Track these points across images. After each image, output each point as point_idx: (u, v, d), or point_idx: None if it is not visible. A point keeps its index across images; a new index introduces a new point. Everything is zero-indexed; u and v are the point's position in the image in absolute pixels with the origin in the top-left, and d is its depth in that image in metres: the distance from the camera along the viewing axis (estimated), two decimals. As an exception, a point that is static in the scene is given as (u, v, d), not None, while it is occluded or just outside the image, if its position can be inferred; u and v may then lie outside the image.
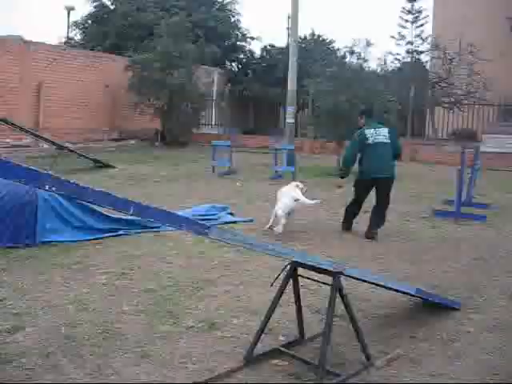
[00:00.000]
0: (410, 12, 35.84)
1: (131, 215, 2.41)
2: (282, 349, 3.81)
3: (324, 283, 3.56)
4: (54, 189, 2.02)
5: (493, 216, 9.19)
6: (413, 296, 4.53)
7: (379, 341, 4.10)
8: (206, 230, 2.51)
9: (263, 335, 3.83)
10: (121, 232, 6.95)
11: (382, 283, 4.02)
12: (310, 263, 3.30)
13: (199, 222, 2.55)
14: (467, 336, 4.29)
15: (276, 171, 13.73)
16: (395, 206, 9.49)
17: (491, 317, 4.69)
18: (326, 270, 3.35)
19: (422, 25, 35.40)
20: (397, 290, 4.31)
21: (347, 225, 7.90)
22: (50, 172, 2.23)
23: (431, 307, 4.73)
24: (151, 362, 3.64)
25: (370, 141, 7.60)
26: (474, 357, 3.93)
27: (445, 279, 5.70)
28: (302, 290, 4.70)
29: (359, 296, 4.97)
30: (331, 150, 15.64)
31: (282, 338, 4.07)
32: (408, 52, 32.70)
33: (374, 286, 4.62)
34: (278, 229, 7.24)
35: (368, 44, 15.98)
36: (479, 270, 6.08)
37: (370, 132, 7.67)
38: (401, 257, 6.51)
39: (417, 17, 35.75)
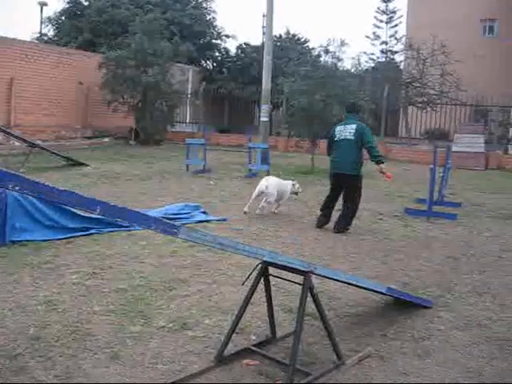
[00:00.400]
0: (384, 12, 36.24)
1: (98, 215, 2.37)
2: (254, 348, 3.80)
3: (295, 282, 3.56)
4: (17, 188, 1.98)
5: (464, 215, 9.31)
6: (384, 294, 4.55)
7: (351, 339, 4.12)
8: (175, 230, 2.49)
9: (235, 335, 3.82)
10: (93, 231, 6.87)
11: (352, 282, 4.04)
12: (280, 263, 3.29)
13: (168, 221, 2.52)
14: (438, 334, 4.33)
15: (250, 169, 13.73)
16: (368, 205, 9.58)
17: (462, 315, 4.74)
18: (296, 269, 3.34)
19: (396, 25, 35.84)
20: (368, 289, 4.33)
21: (321, 220, 7.94)
22: (16, 171, 2.19)
23: (403, 305, 4.76)
24: (121, 363, 3.60)
25: (337, 137, 7.83)
26: (444, 355, 3.97)
27: (416, 277, 5.75)
28: (274, 290, 4.72)
29: (331, 295, 5.00)
30: (306, 149, 15.68)
31: (253, 338, 4.06)
32: (382, 52, 33.08)
33: (345, 284, 4.63)
34: (267, 209, 8.66)
35: (342, 43, 16.05)
36: (450, 269, 6.15)
37: (339, 128, 7.88)
38: (373, 255, 6.55)
39: (391, 17, 36.19)
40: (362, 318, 4.56)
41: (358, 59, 26.61)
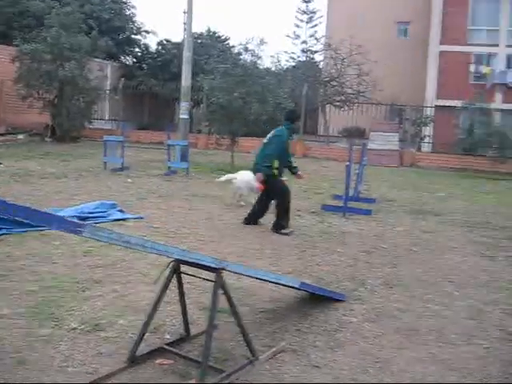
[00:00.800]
0: (305, 12, 36.75)
1: (-4, 214, 2.27)
2: (167, 347, 3.76)
3: (207, 279, 3.55)
4: None
5: (378, 210, 9.61)
6: (298, 289, 4.62)
7: (265, 335, 4.16)
8: (80, 229, 2.41)
9: (149, 334, 3.77)
10: (3, 231, 6.59)
11: (266, 278, 4.07)
12: (191, 260, 3.27)
13: (72, 220, 2.44)
14: (350, 326, 4.44)
15: (169, 167, 13.60)
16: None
17: (373, 307, 4.88)
18: (208, 266, 3.33)
19: (316, 25, 36.45)
20: (282, 284, 4.38)
21: (248, 218, 8.04)
22: None
23: (318, 300, 4.85)
24: (29, 368, 3.47)
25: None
26: (356, 346, 4.07)
27: (331, 272, 5.87)
28: (190, 288, 4.72)
29: (247, 291, 5.02)
30: (226, 146, 15.71)
31: (167, 337, 4.02)
32: (303, 51, 33.55)
33: (261, 280, 4.66)
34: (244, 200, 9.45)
35: (261, 42, 16.18)
36: (364, 262, 6.33)
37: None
38: (289, 251, 6.64)
39: (311, 17, 36.77)
40: (277, 314, 4.61)
41: (278, 58, 26.90)
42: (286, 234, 7.52)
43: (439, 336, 4.36)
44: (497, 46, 29.32)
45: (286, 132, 7.97)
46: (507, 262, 6.87)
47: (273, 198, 7.92)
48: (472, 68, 29.21)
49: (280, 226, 7.67)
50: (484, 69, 29.13)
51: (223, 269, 3.36)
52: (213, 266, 3.29)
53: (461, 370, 3.80)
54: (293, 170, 8.18)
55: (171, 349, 3.76)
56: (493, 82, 28.58)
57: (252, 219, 8.06)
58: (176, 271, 3.61)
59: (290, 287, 4.57)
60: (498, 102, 25.54)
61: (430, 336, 4.35)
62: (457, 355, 4.04)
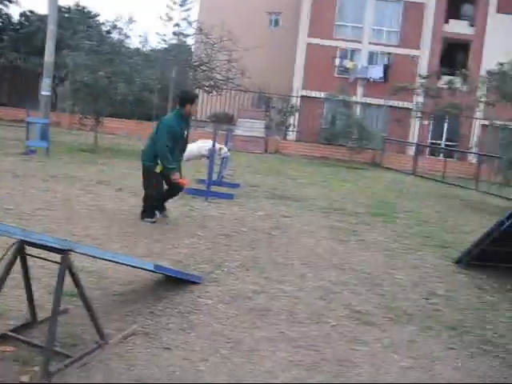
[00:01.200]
0: (178, -6, 36.14)
1: None
2: (10, 333, 3.56)
3: (54, 261, 3.39)
4: None
5: (241, 195, 9.76)
6: (153, 272, 4.57)
7: (118, 318, 4.07)
8: None
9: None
10: None
11: (118, 260, 3.97)
12: (36, 241, 3.11)
13: None
14: (204, 308, 4.46)
15: (28, 146, 12.88)
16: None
17: (228, 289, 4.95)
18: (54, 248, 3.18)
19: (189, 9, 36.03)
20: (135, 267, 4.31)
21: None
22: None
23: (174, 282, 4.83)
24: None
25: None
26: (209, 328, 4.10)
27: (189, 255, 5.87)
28: (41, 271, 4.51)
29: (101, 274, 4.89)
30: (90, 127, 15.17)
31: (11, 323, 3.80)
32: (174, 34, 33.07)
33: (117, 264, 4.55)
34: None
35: (130, 20, 15.75)
36: (222, 246, 6.39)
37: None
38: (149, 234, 6.55)
39: (185, 0, 36.32)
40: (131, 297, 4.53)
41: (146, 37, 26.32)
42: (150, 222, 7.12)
43: (290, 316, 4.52)
44: (360, 42, 30.87)
45: (173, 119, 7.17)
46: (358, 245, 7.27)
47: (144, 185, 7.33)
48: (337, 62, 30.54)
49: (144, 213, 7.24)
50: (348, 63, 30.58)
51: (71, 250, 3.23)
52: (58, 247, 3.15)
53: (307, 347, 3.97)
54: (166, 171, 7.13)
55: (15, 335, 3.56)
56: (355, 76, 30.08)
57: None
58: (20, 253, 3.42)
59: (145, 270, 4.51)
60: (359, 96, 26.89)
61: (282, 316, 4.49)
62: (305, 334, 4.20)
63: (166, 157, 6.93)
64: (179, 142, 7.17)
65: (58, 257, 3.33)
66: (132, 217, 7.35)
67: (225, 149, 10.17)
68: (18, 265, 3.53)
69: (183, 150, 7.50)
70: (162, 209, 7.47)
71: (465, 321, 4.90)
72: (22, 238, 3.15)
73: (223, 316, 4.35)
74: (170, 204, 8.40)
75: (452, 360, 4.07)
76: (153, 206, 7.29)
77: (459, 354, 4.19)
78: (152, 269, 4.28)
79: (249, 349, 3.84)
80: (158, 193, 7.29)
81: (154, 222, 7.17)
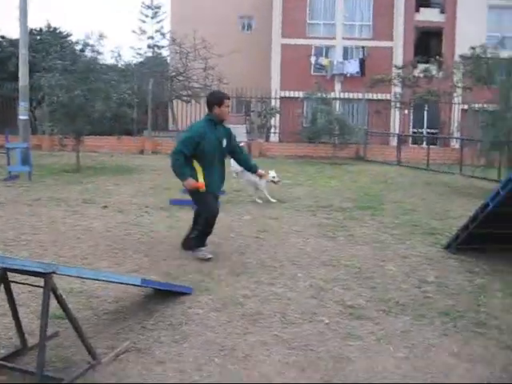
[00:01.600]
0: (149, 7, 36.18)
1: None
2: (1, 362, 3.52)
3: (37, 286, 3.36)
4: None
5: (227, 201, 9.69)
6: (141, 286, 4.54)
7: (110, 337, 4.04)
8: None
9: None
10: None
11: (102, 278, 3.94)
12: (17, 267, 3.08)
13: None
14: (196, 318, 4.44)
15: (10, 172, 12.78)
16: (134, 199, 9.61)
17: (219, 296, 4.93)
18: (36, 272, 3.15)
19: (161, 20, 36.03)
20: (123, 283, 4.28)
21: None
22: None
23: (164, 295, 4.80)
24: None
25: None
26: (202, 337, 4.08)
27: (178, 266, 5.84)
28: (29, 296, 4.49)
29: (90, 293, 4.86)
30: (72, 147, 15.09)
31: (1, 351, 3.76)
32: (149, 47, 33.04)
33: (104, 282, 4.52)
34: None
35: (101, 36, 15.70)
36: (211, 253, 6.35)
37: None
38: (137, 249, 6.50)
39: (156, 12, 36.30)
40: (122, 314, 4.49)
41: (118, 52, 26.22)
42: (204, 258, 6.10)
43: (283, 317, 4.51)
44: (334, 38, 30.99)
45: (201, 124, 6.23)
46: (347, 240, 7.27)
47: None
48: (313, 60, 30.64)
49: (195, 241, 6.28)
50: (323, 60, 30.69)
51: (53, 272, 3.20)
52: (40, 270, 3.12)
53: (301, 347, 3.96)
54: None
55: (5, 363, 3.52)
56: (332, 72, 30.18)
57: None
58: (3, 280, 3.38)
59: (133, 285, 4.48)
60: (337, 92, 26.96)
61: (274, 318, 4.48)
62: (299, 334, 4.20)
63: (174, 162, 5.98)
64: (216, 153, 6.10)
65: (42, 281, 3.31)
66: (119, 233, 7.31)
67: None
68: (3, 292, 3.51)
69: (222, 157, 6.29)
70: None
71: (457, 305, 4.92)
72: (3, 266, 3.11)
73: (215, 324, 4.33)
74: (156, 217, 8.39)
75: (447, 346, 4.08)
76: (205, 232, 6.24)
77: (454, 339, 4.21)
78: (139, 283, 4.25)
79: (243, 355, 3.82)
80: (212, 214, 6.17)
81: (209, 258, 6.09)
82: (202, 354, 3.82)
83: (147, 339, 4.01)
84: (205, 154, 6.01)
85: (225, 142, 6.21)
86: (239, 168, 8.24)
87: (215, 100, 6.13)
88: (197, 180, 6.04)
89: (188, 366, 3.63)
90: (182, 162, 5.96)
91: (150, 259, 6.08)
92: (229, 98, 6.21)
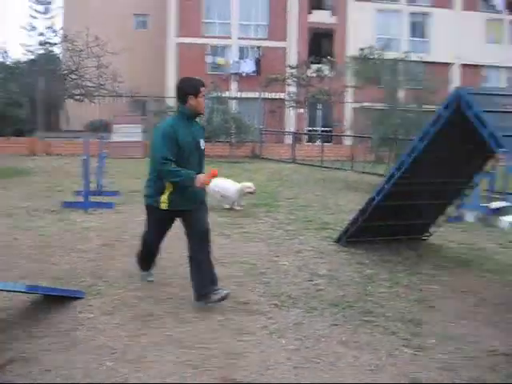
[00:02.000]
0: (40, 2, 34.75)
1: None
2: None
3: None
4: None
5: (121, 202, 9.54)
6: (27, 293, 4.37)
7: (-6, 348, 3.85)
8: None
9: None
10: None
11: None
12: None
13: None
14: (87, 322, 4.33)
15: None
16: (24, 203, 9.20)
17: (111, 299, 4.83)
18: None
19: (53, 17, 34.71)
20: (6, 290, 4.09)
21: None
22: None
23: (54, 301, 4.63)
24: None
25: None
26: (93, 342, 3.99)
27: (70, 270, 5.65)
28: None
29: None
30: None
31: None
32: (41, 44, 31.73)
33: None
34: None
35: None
36: (104, 256, 6.22)
37: None
38: (26, 255, 6.17)
39: (47, 8, 34.93)
40: (7, 323, 4.29)
41: (5, 50, 25.04)
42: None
43: (176, 317, 4.50)
44: (230, 38, 31.20)
45: (172, 121, 4.86)
46: (242, 237, 7.36)
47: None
48: (208, 59, 30.69)
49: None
50: (219, 60, 30.83)
51: None
52: None
53: (194, 346, 3.97)
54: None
55: None
56: (228, 72, 30.38)
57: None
58: None
59: (19, 292, 4.30)
60: (233, 91, 27.19)
61: (168, 318, 4.47)
62: (192, 333, 4.21)
63: (168, 170, 4.62)
64: (193, 154, 4.82)
65: None
66: (6, 239, 6.95)
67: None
68: None
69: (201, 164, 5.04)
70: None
71: (347, 296, 5.12)
72: None
73: (107, 328, 4.25)
74: (47, 221, 8.06)
75: (336, 335, 4.23)
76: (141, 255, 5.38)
77: (343, 328, 4.37)
78: (25, 290, 4.08)
79: (135, 357, 3.78)
80: (150, 243, 5.25)
81: (150, 279, 5.43)
82: (93, 358, 3.73)
83: (34, 347, 3.86)
84: (177, 160, 4.65)
85: (202, 144, 4.97)
86: None
87: (190, 89, 4.72)
88: (160, 195, 4.79)
89: (77, 372, 3.53)
90: (173, 168, 4.60)
91: (39, 265, 5.83)
92: (204, 86, 4.83)
